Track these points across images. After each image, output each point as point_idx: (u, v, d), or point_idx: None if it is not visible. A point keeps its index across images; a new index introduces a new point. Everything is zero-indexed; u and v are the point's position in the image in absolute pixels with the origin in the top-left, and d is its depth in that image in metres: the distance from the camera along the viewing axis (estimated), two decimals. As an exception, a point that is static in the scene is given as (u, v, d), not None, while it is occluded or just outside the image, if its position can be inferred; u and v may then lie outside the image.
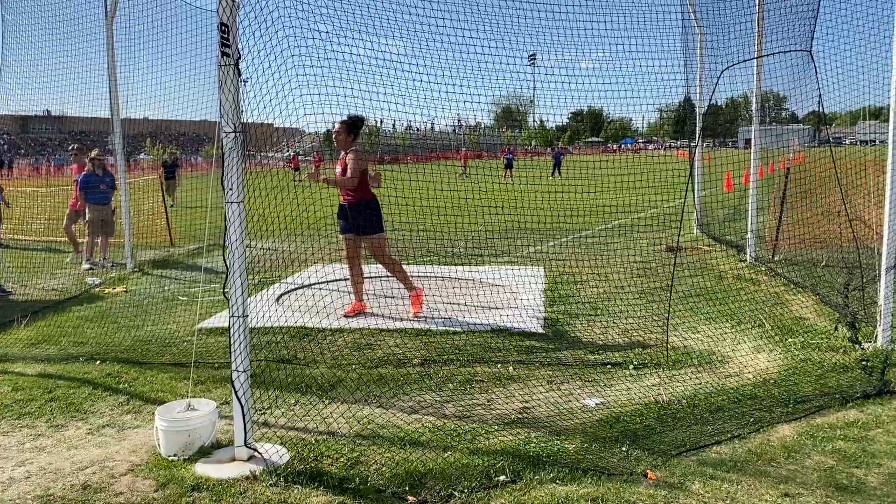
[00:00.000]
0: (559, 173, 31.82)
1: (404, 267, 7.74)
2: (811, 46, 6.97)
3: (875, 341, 5.85)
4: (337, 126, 7.04)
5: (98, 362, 6.02)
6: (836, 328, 6.39)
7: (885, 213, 5.79)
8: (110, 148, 12.35)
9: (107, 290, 9.39)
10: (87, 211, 11.53)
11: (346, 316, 7.32)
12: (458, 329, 6.74)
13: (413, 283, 7.60)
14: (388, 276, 9.15)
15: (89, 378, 5.61)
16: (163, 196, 15.70)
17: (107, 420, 4.79)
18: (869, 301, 6.60)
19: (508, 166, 34.20)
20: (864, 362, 5.49)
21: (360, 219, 7.13)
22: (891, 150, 5.68)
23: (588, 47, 7.17)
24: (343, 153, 7.21)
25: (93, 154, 11.81)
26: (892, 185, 5.70)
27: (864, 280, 7.14)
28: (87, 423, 4.74)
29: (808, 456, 4.06)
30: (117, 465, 4.06)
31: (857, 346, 5.86)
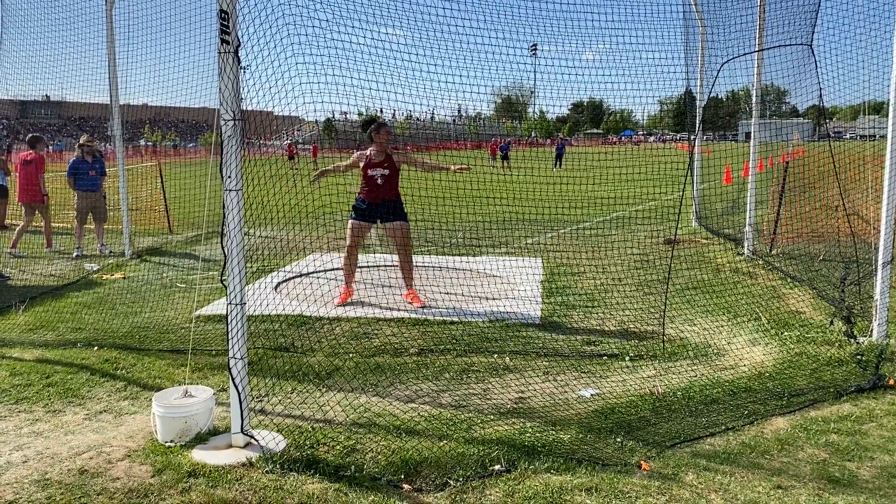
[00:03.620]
0: (561, 164, 31.78)
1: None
2: (812, 40, 6.96)
3: (870, 336, 5.87)
4: (384, 134, 7.36)
5: (96, 348, 6.03)
6: (831, 322, 6.41)
7: (883, 208, 5.79)
8: (109, 134, 12.33)
9: (105, 277, 9.40)
10: (75, 198, 11.50)
11: (340, 306, 7.32)
12: (456, 319, 6.76)
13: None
14: (385, 266, 9.24)
15: (87, 364, 5.62)
16: (162, 186, 15.53)
17: (104, 406, 4.81)
18: (865, 296, 6.62)
19: (505, 157, 34.12)
20: (858, 356, 5.51)
21: (400, 209, 7.50)
22: (890, 145, 5.68)
23: (590, 39, 7.16)
24: (384, 155, 7.41)
25: (82, 140, 11.78)
26: (890, 181, 5.70)
27: (861, 275, 7.15)
28: (84, 409, 4.76)
29: (802, 449, 4.08)
30: (114, 451, 4.08)
31: (852, 340, 5.88)
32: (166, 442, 4.14)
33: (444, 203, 9.15)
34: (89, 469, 3.85)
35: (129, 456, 4.01)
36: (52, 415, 4.67)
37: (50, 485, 3.69)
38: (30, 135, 12.23)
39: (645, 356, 5.78)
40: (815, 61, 6.83)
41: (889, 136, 5.68)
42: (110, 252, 11.41)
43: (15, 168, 12.25)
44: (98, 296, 8.26)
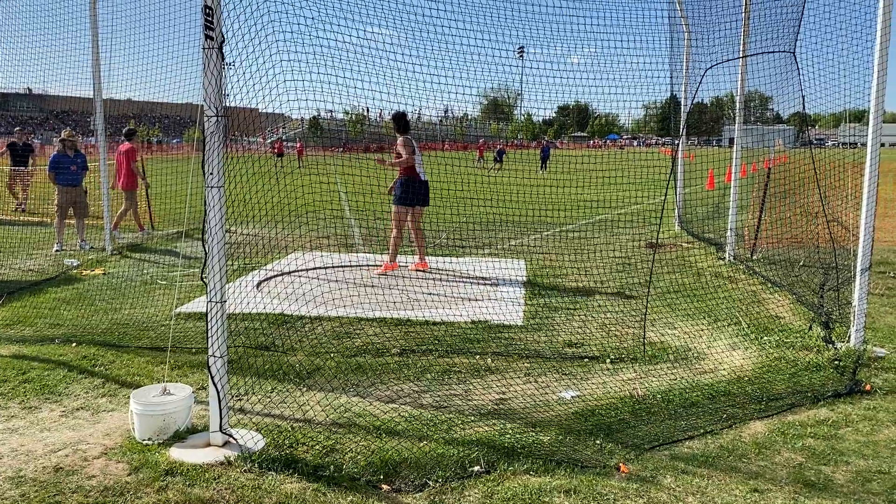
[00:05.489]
0: (546, 167, 31.90)
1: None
2: (795, 48, 7.03)
3: (848, 341, 5.94)
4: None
5: (74, 344, 5.97)
6: (810, 327, 6.47)
7: (862, 215, 5.86)
8: (92, 129, 12.24)
9: (85, 273, 9.30)
10: (56, 193, 11.41)
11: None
12: (438, 320, 6.75)
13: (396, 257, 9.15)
14: (368, 266, 9.28)
15: (64, 360, 5.56)
16: (145, 182, 15.25)
17: (81, 403, 4.76)
18: (843, 301, 6.69)
19: (498, 159, 34.27)
20: (836, 362, 5.57)
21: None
22: (869, 153, 5.75)
23: (576, 42, 7.18)
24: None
25: (64, 135, 11.73)
26: (869, 188, 5.77)
27: (840, 281, 7.23)
28: (60, 406, 4.70)
29: (779, 452, 4.12)
30: (90, 448, 4.03)
31: (830, 345, 5.94)
32: (144, 440, 4.11)
33: (429, 203, 9.17)
34: (65, 467, 3.81)
35: (106, 454, 3.97)
36: (27, 411, 4.62)
37: (24, 482, 3.64)
38: (126, 128, 13.73)
39: (625, 359, 5.81)
40: (798, 69, 6.89)
41: (869, 144, 5.75)
42: (91, 247, 11.30)
43: (116, 159, 13.23)
44: (77, 292, 8.17)
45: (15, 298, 7.73)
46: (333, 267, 9.35)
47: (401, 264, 9.32)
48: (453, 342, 6.14)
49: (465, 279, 8.78)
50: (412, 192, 8.88)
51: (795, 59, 6.94)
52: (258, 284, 8.27)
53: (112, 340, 6.11)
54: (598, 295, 7.99)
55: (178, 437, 4.15)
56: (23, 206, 15.99)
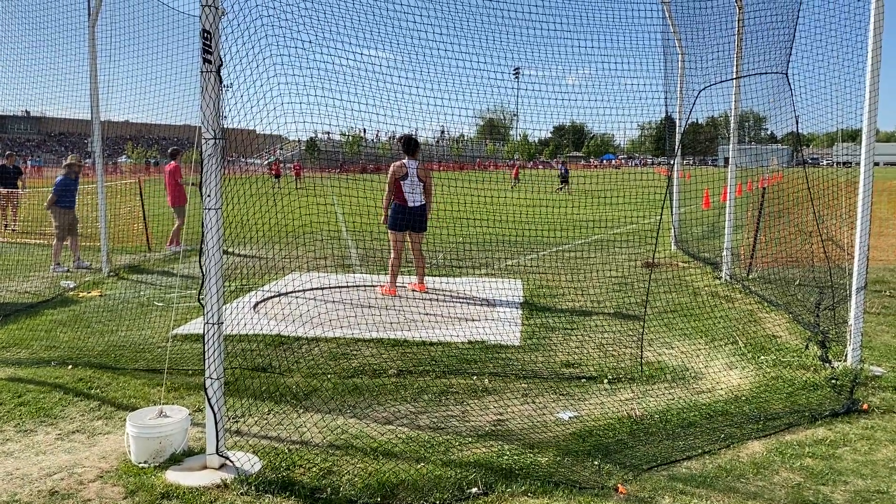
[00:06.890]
0: (567, 183, 32.12)
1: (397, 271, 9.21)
2: (787, 69, 7.10)
3: (845, 360, 5.94)
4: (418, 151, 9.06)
5: (70, 367, 5.95)
6: (807, 346, 6.47)
7: (857, 234, 5.89)
8: (89, 150, 12.33)
9: (81, 294, 9.29)
10: (55, 216, 11.44)
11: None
12: (435, 340, 6.75)
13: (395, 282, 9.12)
14: (365, 286, 9.29)
15: (60, 383, 5.54)
16: (142, 203, 15.33)
17: (77, 425, 4.73)
18: (840, 320, 6.70)
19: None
20: (833, 381, 5.57)
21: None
22: (863, 172, 5.79)
23: (572, 64, 7.26)
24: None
25: (73, 160, 11.83)
26: (863, 207, 5.81)
27: (836, 299, 7.24)
28: (56, 429, 4.68)
29: (777, 472, 4.11)
30: (86, 472, 4.01)
31: (827, 364, 5.94)
32: (140, 463, 4.09)
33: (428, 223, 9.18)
34: (60, 490, 3.79)
35: (102, 477, 3.95)
36: (23, 434, 4.59)
37: (19, 506, 3.62)
38: (171, 148, 14.52)
39: (623, 379, 5.80)
40: (791, 89, 6.96)
41: (862, 163, 5.79)
42: (88, 266, 11.31)
43: (165, 178, 14.12)
44: (74, 313, 8.15)
45: (11, 321, 7.71)
46: (330, 288, 9.35)
47: (401, 286, 9.32)
48: (450, 363, 6.13)
49: (462, 299, 8.79)
50: (400, 218, 8.94)
51: (788, 79, 7.01)
52: (255, 306, 8.26)
53: (108, 363, 6.09)
54: (596, 315, 7.99)
55: (175, 460, 4.13)
56: (14, 227, 16.20)
